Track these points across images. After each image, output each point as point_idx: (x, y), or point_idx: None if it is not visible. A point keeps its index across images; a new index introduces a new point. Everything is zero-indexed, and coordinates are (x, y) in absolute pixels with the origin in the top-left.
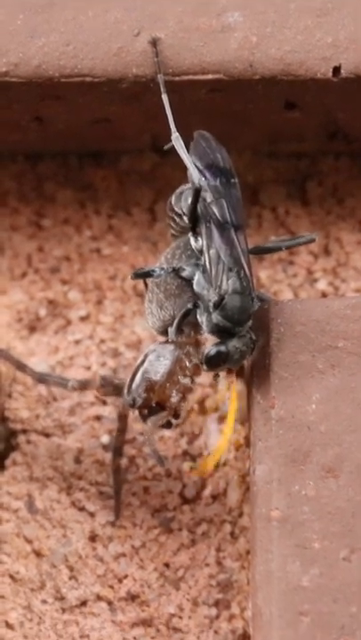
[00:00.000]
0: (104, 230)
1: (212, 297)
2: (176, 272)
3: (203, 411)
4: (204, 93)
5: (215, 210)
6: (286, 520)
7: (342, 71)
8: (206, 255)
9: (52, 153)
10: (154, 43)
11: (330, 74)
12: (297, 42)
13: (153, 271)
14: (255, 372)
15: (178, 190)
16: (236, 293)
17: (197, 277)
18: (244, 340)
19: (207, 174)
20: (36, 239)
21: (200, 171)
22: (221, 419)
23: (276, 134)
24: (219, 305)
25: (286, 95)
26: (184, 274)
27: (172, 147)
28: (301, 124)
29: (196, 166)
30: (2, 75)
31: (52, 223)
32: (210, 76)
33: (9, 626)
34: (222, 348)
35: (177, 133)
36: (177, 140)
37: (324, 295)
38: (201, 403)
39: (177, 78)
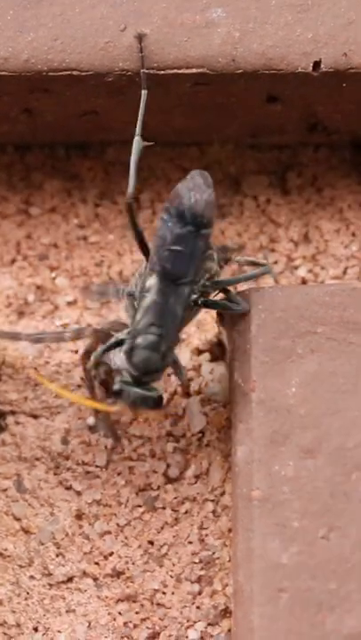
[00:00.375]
0: (90, 219)
1: (127, 345)
2: (130, 297)
3: (186, 393)
4: (188, 87)
5: (164, 260)
6: (267, 499)
7: (322, 66)
8: (140, 304)
9: (40, 144)
10: (139, 38)
11: (310, 68)
12: (278, 37)
13: (107, 291)
14: (236, 356)
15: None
16: (146, 349)
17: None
18: (145, 390)
19: (175, 220)
20: (25, 227)
21: (170, 214)
22: (204, 401)
23: (259, 127)
24: (128, 354)
25: (268, 89)
26: (135, 304)
27: (152, 139)
28: (283, 117)
29: (168, 208)
30: None
31: (40, 211)
32: (194, 70)
33: None
34: (117, 387)
35: (139, 137)
36: (136, 144)
37: (304, 282)
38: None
39: (162, 72)
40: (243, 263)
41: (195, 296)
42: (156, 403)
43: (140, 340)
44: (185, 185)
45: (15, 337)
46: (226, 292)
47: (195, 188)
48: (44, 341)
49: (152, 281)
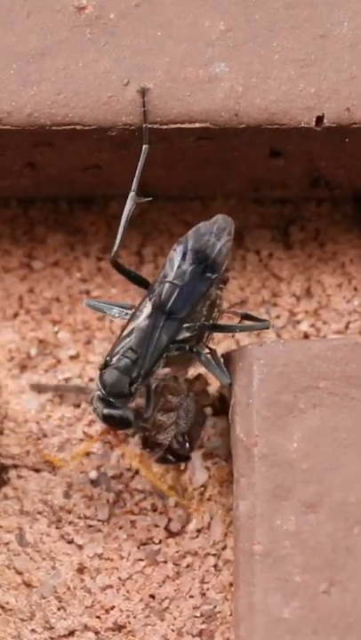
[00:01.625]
0: (93, 273)
1: (102, 363)
2: (135, 315)
3: (197, 447)
4: (191, 141)
5: (163, 291)
6: (268, 554)
7: (325, 120)
8: (126, 326)
9: (43, 198)
10: (142, 92)
11: (313, 123)
12: (281, 92)
13: (110, 309)
14: (238, 410)
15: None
16: (117, 370)
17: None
18: (112, 409)
19: (188, 256)
20: (28, 281)
21: (182, 249)
22: (206, 455)
23: (261, 181)
24: (101, 371)
25: (271, 143)
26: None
27: (155, 193)
28: (285, 172)
29: (186, 243)
30: None
31: (42, 265)
32: (197, 125)
33: None
34: (91, 401)
35: (134, 193)
36: (130, 200)
37: (306, 336)
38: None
39: (165, 126)
40: (243, 317)
41: (187, 334)
42: (123, 422)
43: (113, 360)
44: (205, 225)
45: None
46: (213, 353)
47: (213, 231)
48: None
49: (145, 307)
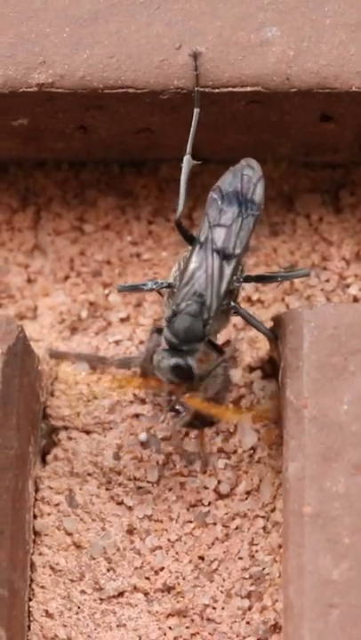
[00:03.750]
0: (144, 236)
1: (169, 313)
2: (170, 287)
3: (238, 409)
4: (242, 105)
5: (212, 234)
6: (318, 515)
7: None
8: (183, 275)
9: (94, 161)
10: (195, 56)
11: None
12: (332, 56)
13: (144, 285)
14: (288, 372)
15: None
16: (188, 315)
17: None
18: (180, 359)
19: (226, 199)
20: (79, 244)
21: (222, 194)
22: (255, 417)
23: (312, 145)
24: (170, 320)
25: (322, 107)
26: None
27: (206, 156)
28: (336, 136)
29: (220, 187)
30: (48, 85)
31: (93, 228)
32: (248, 89)
33: (49, 615)
34: (156, 359)
35: (189, 156)
36: (186, 162)
37: (355, 300)
38: (236, 402)
39: (216, 90)
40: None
41: (236, 285)
42: (189, 373)
43: (182, 306)
44: (235, 167)
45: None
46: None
47: (245, 171)
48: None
49: (198, 254)
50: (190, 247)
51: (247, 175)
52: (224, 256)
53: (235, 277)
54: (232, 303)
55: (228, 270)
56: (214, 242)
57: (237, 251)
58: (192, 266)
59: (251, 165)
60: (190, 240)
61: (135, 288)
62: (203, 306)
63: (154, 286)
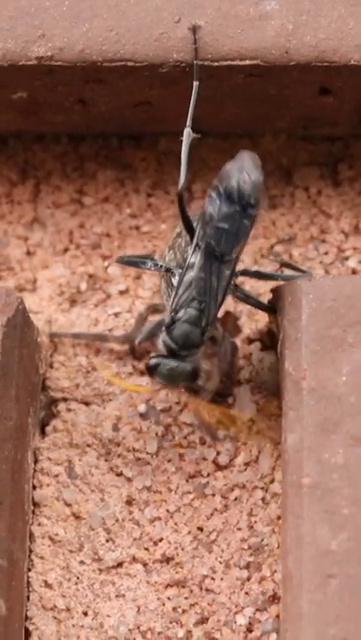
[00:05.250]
0: (143, 208)
1: (167, 319)
2: (169, 272)
3: (237, 381)
4: (241, 78)
5: (212, 238)
6: (316, 487)
7: None
8: (181, 279)
9: (93, 134)
10: (194, 29)
11: None
12: (331, 30)
13: (144, 263)
14: (287, 344)
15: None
16: (187, 323)
17: (171, 294)
18: (182, 364)
19: (224, 199)
20: (78, 216)
21: (218, 193)
22: (254, 389)
23: (311, 118)
24: (168, 328)
25: (321, 81)
26: (172, 280)
27: (204, 130)
28: (335, 109)
29: (217, 187)
30: (47, 59)
31: (93, 201)
32: (247, 62)
33: (48, 585)
34: (152, 362)
35: (190, 129)
36: (187, 136)
37: (354, 272)
38: (235, 374)
39: (215, 64)
40: (284, 265)
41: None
42: (192, 375)
43: (181, 314)
44: (234, 165)
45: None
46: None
47: (244, 169)
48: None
49: (196, 257)
50: (183, 239)
51: (246, 173)
52: (223, 260)
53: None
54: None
55: (226, 274)
56: (213, 245)
57: (235, 254)
58: (190, 272)
59: (250, 161)
60: (185, 220)
61: (134, 263)
62: (201, 313)
63: (152, 267)
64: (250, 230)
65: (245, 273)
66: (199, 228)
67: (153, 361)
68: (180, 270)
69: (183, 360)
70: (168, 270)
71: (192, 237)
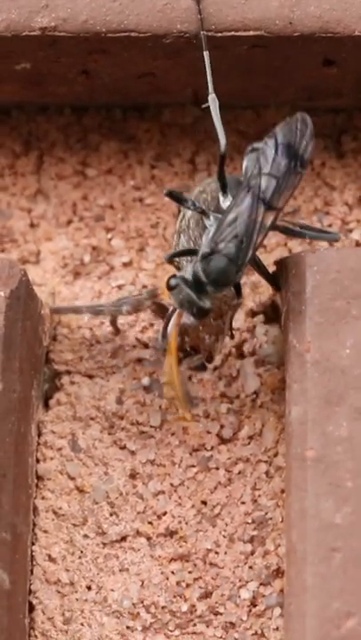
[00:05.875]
0: (147, 180)
1: (206, 249)
2: (203, 214)
3: (240, 354)
4: (245, 49)
5: (262, 182)
6: (320, 460)
7: None
8: (226, 215)
9: (97, 105)
10: (197, 0)
11: None
12: (335, 0)
13: (186, 201)
14: (291, 317)
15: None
16: (226, 257)
17: (210, 230)
18: (203, 298)
19: (280, 150)
20: (81, 188)
21: (277, 142)
22: (258, 362)
23: (314, 90)
24: (205, 257)
25: (325, 52)
26: (206, 222)
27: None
28: (339, 80)
29: (276, 137)
30: (50, 29)
31: (96, 173)
32: (251, 33)
33: (52, 559)
34: (174, 282)
35: (214, 94)
36: (213, 102)
37: (358, 245)
38: (238, 347)
39: (219, 34)
40: (302, 227)
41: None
42: (201, 312)
43: (221, 246)
44: (296, 122)
45: (77, 311)
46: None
47: (300, 127)
48: (103, 314)
49: (243, 199)
50: (212, 181)
51: (301, 131)
52: (269, 207)
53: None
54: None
55: (268, 222)
56: (262, 190)
57: (280, 204)
58: (238, 208)
59: (305, 121)
60: (222, 175)
61: (178, 199)
62: (240, 251)
63: (191, 207)
64: (296, 187)
65: (274, 227)
66: (249, 172)
67: (174, 281)
68: (216, 215)
69: (203, 298)
70: (203, 212)
71: (224, 187)
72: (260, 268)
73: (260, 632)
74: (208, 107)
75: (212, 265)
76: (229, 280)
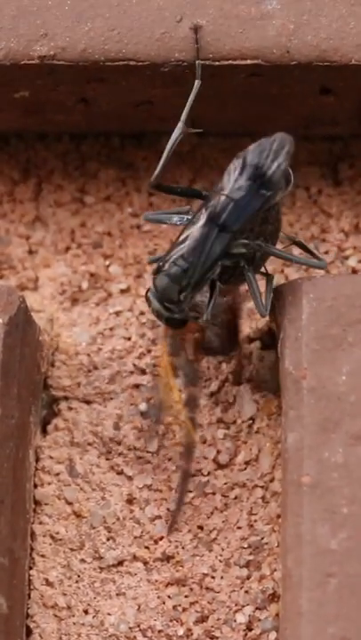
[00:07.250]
0: (144, 207)
1: (158, 264)
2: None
3: (237, 380)
4: (242, 78)
5: (219, 203)
6: (316, 485)
7: None
8: (180, 234)
9: (95, 133)
10: (195, 29)
11: None
12: (332, 29)
13: (170, 218)
14: (287, 343)
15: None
16: (167, 277)
17: None
18: (174, 309)
19: (246, 171)
20: (80, 215)
21: (239, 163)
22: (254, 388)
23: (311, 118)
24: (155, 274)
25: (321, 80)
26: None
27: (206, 129)
28: (335, 109)
29: (246, 157)
30: (49, 58)
31: (94, 200)
32: (248, 62)
33: (49, 583)
34: (148, 294)
35: (182, 124)
36: (177, 130)
37: (354, 271)
38: (235, 373)
39: (217, 63)
40: (298, 244)
41: (242, 250)
42: (171, 322)
43: (165, 267)
44: (265, 142)
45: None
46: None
47: (272, 148)
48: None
49: (200, 218)
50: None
51: (275, 152)
52: (222, 228)
53: (236, 249)
54: (246, 265)
55: (219, 244)
56: (217, 212)
57: (236, 227)
58: (189, 229)
59: (283, 142)
60: (182, 193)
61: (160, 221)
62: (184, 272)
63: (178, 222)
64: (260, 209)
65: (259, 246)
66: (212, 193)
67: (149, 294)
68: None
69: (175, 308)
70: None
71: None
72: (251, 285)
73: None
74: (205, 133)
75: (157, 282)
76: (172, 299)
